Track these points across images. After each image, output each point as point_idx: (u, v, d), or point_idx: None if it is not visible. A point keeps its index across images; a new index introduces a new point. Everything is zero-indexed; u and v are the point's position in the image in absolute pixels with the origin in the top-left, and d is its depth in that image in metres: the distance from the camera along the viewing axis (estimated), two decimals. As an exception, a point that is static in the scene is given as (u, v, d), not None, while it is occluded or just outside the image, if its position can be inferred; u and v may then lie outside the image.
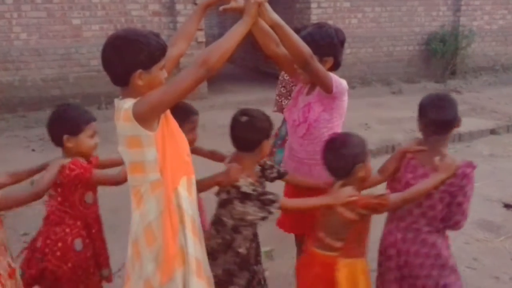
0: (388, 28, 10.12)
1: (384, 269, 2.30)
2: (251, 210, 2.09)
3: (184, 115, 2.35)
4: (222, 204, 2.19)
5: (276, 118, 2.86)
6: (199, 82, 1.77)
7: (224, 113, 6.98)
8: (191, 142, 2.31)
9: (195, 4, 8.07)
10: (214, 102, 8.17)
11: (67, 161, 2.24)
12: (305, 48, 2.17)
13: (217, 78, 8.40)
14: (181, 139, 1.99)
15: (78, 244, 2.34)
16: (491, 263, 3.34)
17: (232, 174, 2.11)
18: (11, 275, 2.14)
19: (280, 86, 4.20)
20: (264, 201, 2.08)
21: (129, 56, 1.75)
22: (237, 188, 2.10)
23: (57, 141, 2.31)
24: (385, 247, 2.29)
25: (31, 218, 4.08)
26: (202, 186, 2.19)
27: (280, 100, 4.18)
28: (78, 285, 2.36)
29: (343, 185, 2.11)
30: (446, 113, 2.12)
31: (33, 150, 5.95)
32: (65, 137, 2.26)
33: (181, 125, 2.14)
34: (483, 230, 3.82)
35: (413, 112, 7.55)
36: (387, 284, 2.29)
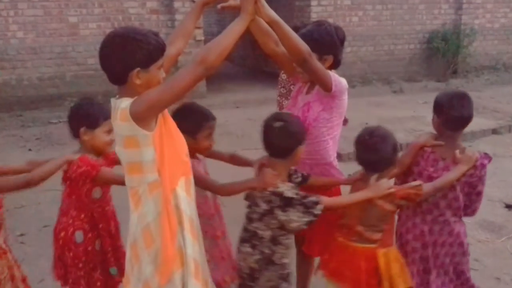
0: (389, 27, 10.07)
1: (406, 261, 2.34)
2: (295, 217, 2.03)
3: (202, 120, 2.29)
4: (259, 217, 2.12)
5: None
6: (198, 80, 1.75)
7: (223, 113, 6.97)
8: (208, 149, 2.32)
9: (193, 1, 7.99)
10: (213, 101, 8.12)
11: (76, 156, 2.31)
12: (303, 46, 2.13)
13: (216, 77, 8.35)
14: (179, 138, 1.96)
15: (79, 236, 2.38)
16: (493, 264, 3.30)
17: (268, 180, 2.08)
18: (1, 255, 2.25)
19: (280, 86, 4.18)
20: (307, 204, 2.03)
21: (127, 55, 1.73)
22: (279, 194, 2.05)
23: (75, 132, 2.38)
24: (408, 240, 2.40)
25: (28, 219, 4.05)
26: (231, 190, 2.19)
27: (281, 100, 4.16)
28: (79, 277, 2.39)
29: (378, 179, 2.16)
30: (468, 111, 2.26)
31: (29, 149, 5.92)
32: (82, 129, 2.33)
33: (198, 131, 2.23)
34: (484, 230, 3.78)
35: (414, 112, 7.55)
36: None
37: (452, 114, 2.23)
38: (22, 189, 2.24)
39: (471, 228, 3.77)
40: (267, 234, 2.12)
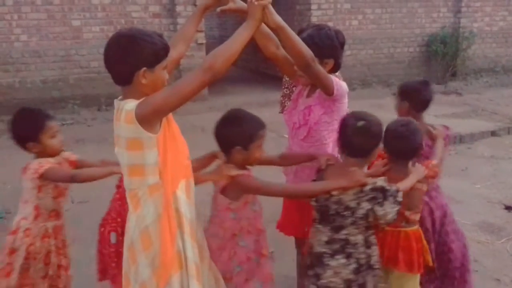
0: (388, 30, 10.12)
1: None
2: (389, 208, 2.04)
3: (256, 129, 2.14)
4: (353, 221, 2.07)
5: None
6: (204, 86, 1.77)
7: (224, 115, 7.00)
8: (258, 159, 2.18)
9: (195, 5, 8.07)
10: (214, 103, 8.15)
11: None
12: (307, 51, 2.16)
13: (217, 80, 8.39)
14: (182, 142, 1.97)
15: (113, 237, 2.50)
16: (492, 265, 3.32)
17: (359, 178, 2.04)
18: (44, 238, 2.53)
19: (283, 87, 4.21)
20: (394, 193, 2.06)
21: (134, 54, 1.74)
22: (381, 188, 2.04)
23: (24, 149, 2.45)
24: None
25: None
26: (315, 191, 2.12)
27: (284, 101, 4.18)
28: (116, 275, 2.47)
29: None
30: (430, 94, 2.73)
31: (32, 152, 5.94)
32: (28, 145, 2.40)
33: (251, 141, 2.09)
34: (484, 232, 3.81)
35: (414, 114, 7.34)
36: None
37: (420, 98, 2.64)
38: (68, 182, 2.45)
39: (470, 230, 3.82)
40: (359, 238, 2.09)
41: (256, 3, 1.89)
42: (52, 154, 2.46)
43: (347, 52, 9.66)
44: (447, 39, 10.22)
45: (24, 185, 2.53)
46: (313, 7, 9.23)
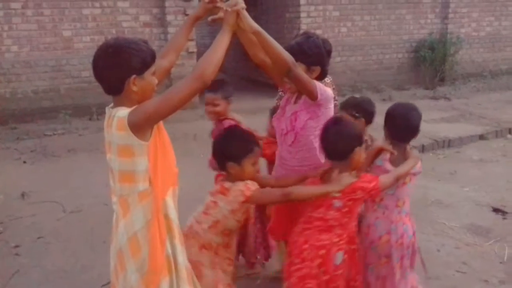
0: (377, 36, 10.24)
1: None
2: None
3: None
4: None
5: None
6: (195, 94, 1.82)
7: (216, 123, 7.04)
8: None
9: (186, 14, 8.13)
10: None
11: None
12: (287, 56, 2.20)
13: (207, 88, 8.43)
14: (171, 150, 2.02)
15: (339, 257, 2.29)
16: (480, 266, 3.36)
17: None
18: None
19: (280, 90, 4.23)
20: None
21: (123, 63, 1.79)
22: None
23: (222, 167, 2.35)
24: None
25: (23, 231, 4.07)
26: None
27: (278, 104, 4.21)
28: None
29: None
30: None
31: (24, 162, 5.94)
32: (229, 165, 2.27)
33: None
34: (472, 234, 3.85)
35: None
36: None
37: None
38: (280, 202, 2.37)
39: (459, 232, 3.88)
40: None
41: (229, 9, 1.99)
42: (244, 179, 2.27)
43: (336, 58, 9.76)
44: (435, 45, 10.34)
45: (215, 200, 2.33)
46: (303, 14, 9.33)
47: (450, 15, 10.71)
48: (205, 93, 2.83)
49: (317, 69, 2.44)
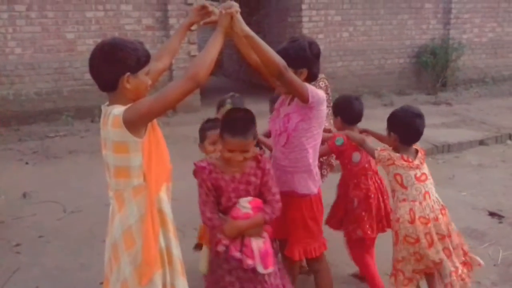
0: (379, 41, 10.28)
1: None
2: None
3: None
4: None
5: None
6: (188, 93, 1.87)
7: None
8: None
9: (188, 18, 8.19)
10: (207, 114, 8.13)
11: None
12: (278, 59, 2.23)
13: (209, 91, 8.48)
14: (164, 146, 2.09)
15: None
16: (474, 268, 3.38)
17: None
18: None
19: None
20: None
21: (118, 61, 1.86)
22: None
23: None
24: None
25: (24, 230, 4.13)
26: None
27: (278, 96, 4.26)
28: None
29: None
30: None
31: (26, 163, 6.00)
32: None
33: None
34: (467, 237, 3.86)
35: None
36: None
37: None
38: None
39: (454, 235, 3.91)
40: None
41: (224, 12, 2.05)
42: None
43: (338, 63, 9.81)
44: (436, 50, 10.38)
45: None
46: (305, 19, 9.37)
47: (452, 21, 10.75)
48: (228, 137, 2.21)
49: (304, 72, 2.47)
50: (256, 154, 2.32)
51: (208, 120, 2.76)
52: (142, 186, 1.93)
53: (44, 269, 3.48)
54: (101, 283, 3.08)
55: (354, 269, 3.31)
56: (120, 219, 1.95)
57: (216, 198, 2.29)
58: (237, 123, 2.17)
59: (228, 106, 2.48)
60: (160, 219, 1.98)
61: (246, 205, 2.26)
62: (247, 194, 2.30)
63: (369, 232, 2.92)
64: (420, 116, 2.66)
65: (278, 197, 2.35)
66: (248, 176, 2.30)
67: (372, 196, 2.94)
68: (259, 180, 2.32)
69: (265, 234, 2.32)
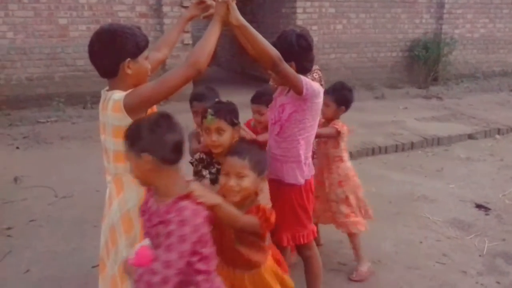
0: (372, 35, 10.32)
1: None
2: None
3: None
4: None
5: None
6: (188, 81, 1.89)
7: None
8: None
9: (182, 6, 8.16)
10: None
11: None
12: (272, 50, 2.23)
13: (203, 82, 8.46)
14: None
15: None
16: (460, 258, 3.46)
17: None
18: None
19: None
20: None
21: (118, 47, 1.88)
22: None
23: None
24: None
25: (15, 214, 4.13)
26: None
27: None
28: None
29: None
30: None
31: (17, 147, 5.98)
32: None
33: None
34: (454, 228, 3.95)
35: (394, 117, 7.73)
36: None
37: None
38: None
39: (442, 226, 3.98)
40: None
41: (220, 1, 2.07)
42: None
43: (331, 55, 9.84)
44: (429, 44, 10.45)
45: None
46: (299, 10, 9.37)
47: (445, 16, 10.82)
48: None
49: (292, 65, 2.44)
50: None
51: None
52: None
53: (35, 253, 3.50)
54: (93, 267, 3.15)
55: (343, 258, 3.38)
56: (119, 202, 1.97)
57: None
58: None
59: (210, 118, 2.37)
60: None
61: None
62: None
63: None
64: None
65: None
66: None
67: None
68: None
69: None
